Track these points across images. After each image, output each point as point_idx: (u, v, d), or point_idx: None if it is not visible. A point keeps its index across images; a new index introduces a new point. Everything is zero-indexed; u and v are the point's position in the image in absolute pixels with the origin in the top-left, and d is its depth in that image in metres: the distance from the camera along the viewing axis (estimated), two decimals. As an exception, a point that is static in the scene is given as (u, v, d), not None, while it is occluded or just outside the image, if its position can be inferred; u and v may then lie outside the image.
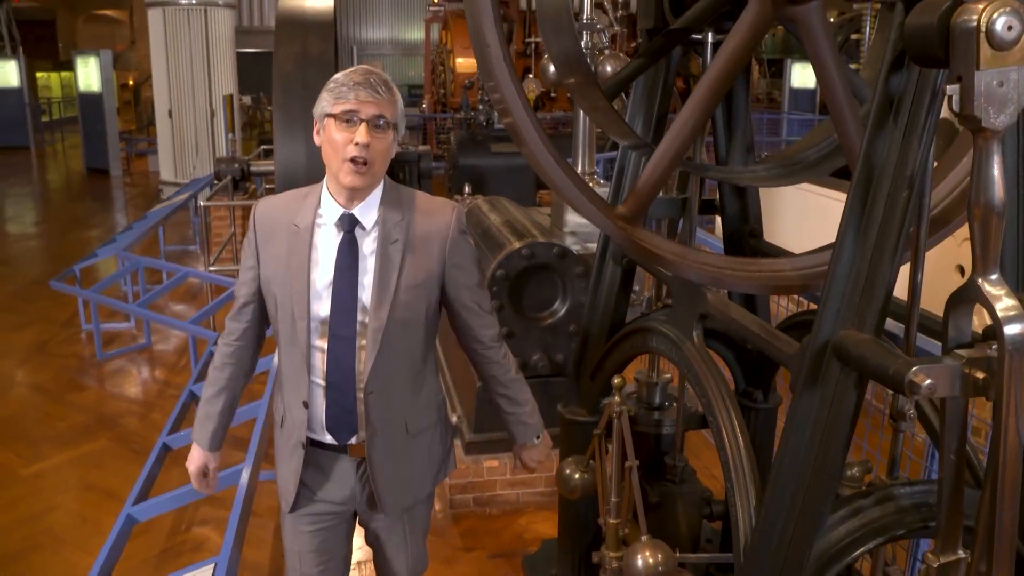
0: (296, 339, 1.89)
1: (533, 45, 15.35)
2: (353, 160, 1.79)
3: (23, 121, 18.45)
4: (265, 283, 1.95)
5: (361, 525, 2.16)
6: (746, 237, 2.56)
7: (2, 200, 12.60)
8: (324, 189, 1.91)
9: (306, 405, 1.93)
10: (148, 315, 5.46)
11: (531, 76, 14.12)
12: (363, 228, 1.89)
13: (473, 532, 3.71)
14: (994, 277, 1.25)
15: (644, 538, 2.12)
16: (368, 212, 1.89)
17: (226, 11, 11.37)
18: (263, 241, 1.94)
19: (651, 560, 2.07)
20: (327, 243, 1.89)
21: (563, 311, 3.95)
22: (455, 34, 18.19)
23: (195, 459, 2.11)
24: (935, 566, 1.41)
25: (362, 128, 1.77)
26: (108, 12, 34.78)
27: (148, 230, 7.09)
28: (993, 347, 1.26)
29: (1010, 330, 1.22)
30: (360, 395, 1.91)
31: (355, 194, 1.86)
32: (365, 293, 1.87)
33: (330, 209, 1.89)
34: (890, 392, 1.61)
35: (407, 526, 2.13)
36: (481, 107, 11.54)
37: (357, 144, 1.77)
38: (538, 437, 2.22)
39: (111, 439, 4.49)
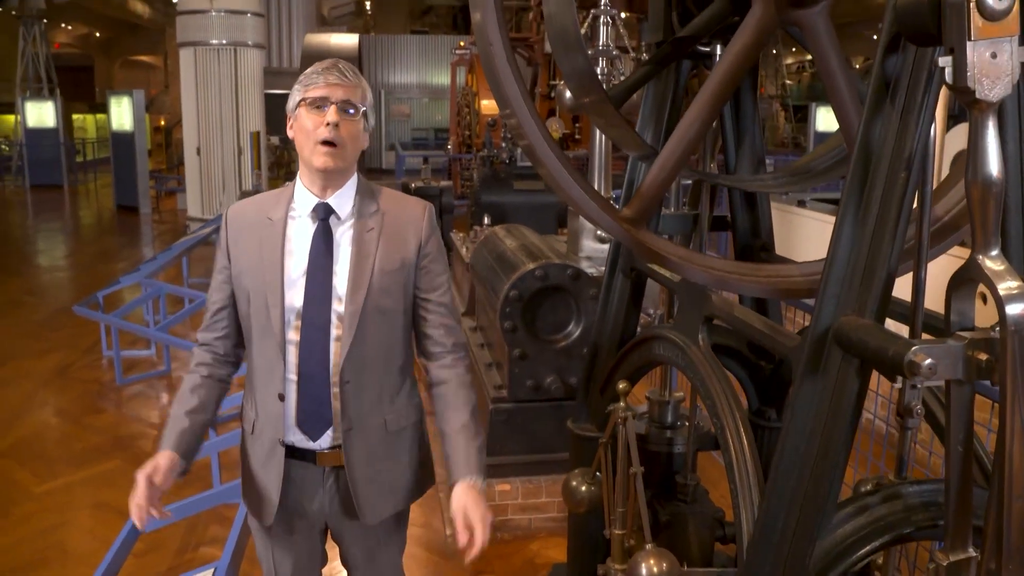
0: (270, 329, 1.85)
1: (558, 87, 15.52)
2: (325, 142, 1.79)
3: (58, 160, 18.92)
4: (236, 278, 1.91)
5: (334, 540, 2.08)
6: (757, 251, 2.54)
7: (34, 234, 12.88)
8: (298, 182, 1.91)
9: (281, 398, 1.88)
10: (166, 339, 5.51)
11: (555, 117, 14.31)
12: (338, 217, 1.88)
13: (483, 556, 3.61)
14: (994, 253, 1.22)
15: (649, 547, 2.07)
16: (343, 202, 1.89)
17: (255, 51, 11.66)
18: (234, 240, 1.92)
19: (655, 569, 2.02)
20: (301, 234, 1.88)
21: (577, 333, 3.92)
22: (480, 77, 18.49)
23: (153, 460, 1.80)
24: (944, 564, 1.37)
25: (332, 109, 1.78)
26: (143, 58, 35.84)
27: (172, 260, 7.19)
28: (997, 329, 1.23)
29: (1013, 310, 1.19)
30: (335, 389, 1.86)
31: (329, 181, 1.86)
32: (340, 281, 1.86)
33: (304, 200, 1.89)
34: (897, 385, 1.57)
35: (382, 540, 2.06)
36: (504, 145, 11.66)
37: (328, 124, 1.78)
38: (481, 480, 1.92)
39: (125, 460, 4.50)
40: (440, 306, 1.98)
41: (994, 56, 1.17)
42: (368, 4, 28.78)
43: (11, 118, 22.57)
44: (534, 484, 3.87)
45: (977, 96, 1.17)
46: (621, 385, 2.26)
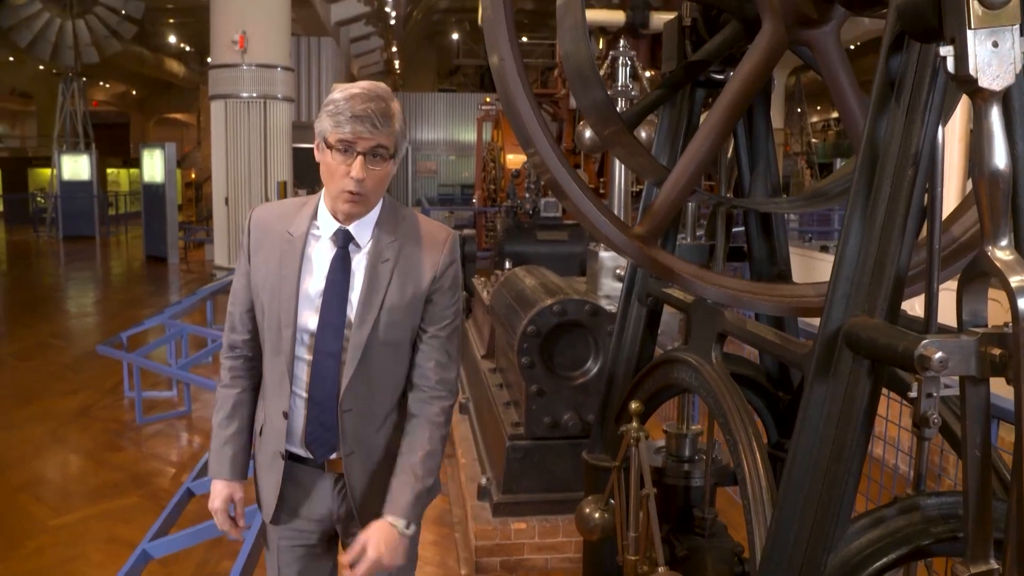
0: (280, 348, 1.85)
1: (578, 129, 15.67)
2: (351, 192, 1.77)
3: (91, 212, 19.37)
4: (254, 288, 1.91)
5: (344, 548, 2.04)
6: (774, 279, 2.52)
7: (64, 282, 13.12)
8: (321, 201, 1.88)
9: (286, 416, 1.87)
10: (187, 377, 5.55)
11: (580, 170, 14.45)
12: (357, 246, 1.86)
13: (499, 597, 3.57)
14: (1004, 243, 1.21)
15: (661, 570, 2.02)
16: (364, 230, 1.87)
17: (284, 104, 11.95)
18: (256, 246, 1.91)
19: (669, 593, 1.96)
20: (320, 255, 1.86)
21: (595, 370, 3.89)
22: (506, 132, 18.76)
23: (217, 494, 1.96)
24: (965, 576, 1.32)
25: (358, 162, 1.74)
26: (177, 115, 36.84)
27: (196, 303, 7.27)
28: (1009, 324, 1.21)
29: (1025, 303, 1.17)
30: (340, 413, 1.86)
31: (353, 218, 1.85)
32: (352, 310, 1.84)
33: (326, 222, 1.87)
34: (912, 394, 1.54)
35: None
36: (528, 196, 11.77)
37: (353, 179, 1.75)
38: (408, 527, 1.85)
39: (141, 496, 4.50)
40: (435, 339, 1.92)
41: (995, 45, 1.17)
42: (397, 63, 29.47)
43: (48, 172, 23.22)
44: (551, 523, 3.81)
45: (980, 85, 1.17)
46: (634, 405, 2.23)
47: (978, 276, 1.26)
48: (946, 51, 1.19)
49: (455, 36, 35.72)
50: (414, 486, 1.86)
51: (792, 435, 1.54)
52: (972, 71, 1.17)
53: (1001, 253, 1.20)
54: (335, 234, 1.86)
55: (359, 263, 1.86)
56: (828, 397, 1.47)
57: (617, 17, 8.84)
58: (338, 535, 2.05)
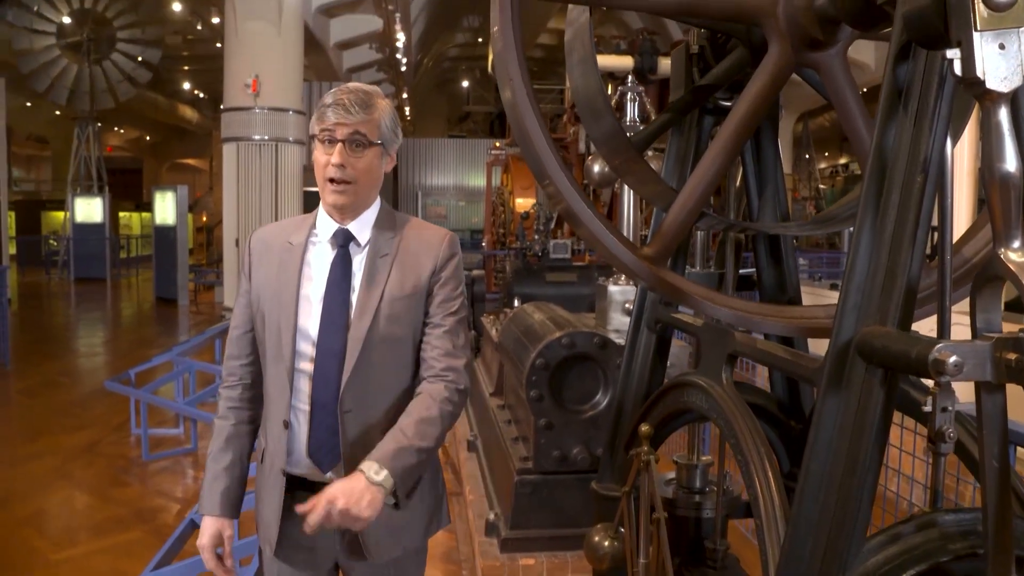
0: (281, 354, 1.82)
1: (591, 187, 15.90)
2: (332, 180, 1.79)
3: (103, 254, 19.54)
4: (255, 302, 1.89)
5: None
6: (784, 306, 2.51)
7: (74, 322, 13.19)
8: (320, 208, 1.90)
9: (286, 425, 1.83)
10: (194, 412, 5.53)
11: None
12: (358, 244, 1.87)
13: (506, 635, 3.49)
14: (1016, 245, 1.20)
15: (673, 596, 1.97)
16: (363, 229, 1.88)
17: (296, 147, 12.10)
18: (256, 263, 1.92)
19: (680, 619, 1.92)
20: (320, 259, 1.87)
21: (604, 403, 3.86)
22: (515, 175, 18.94)
23: (204, 530, 1.87)
24: (987, 594, 1.28)
25: (337, 148, 1.76)
26: (190, 161, 37.35)
27: (204, 341, 7.28)
28: (1024, 329, 1.19)
29: (1040, 306, 1.15)
30: (340, 414, 1.81)
31: (345, 211, 1.86)
32: (353, 307, 1.83)
33: (325, 226, 1.88)
34: (927, 408, 1.52)
35: None
36: (537, 237, 11.83)
37: (333, 165, 1.77)
38: (377, 475, 1.64)
39: (145, 531, 4.45)
40: (439, 329, 1.87)
41: (1002, 47, 1.18)
42: (407, 110, 29.90)
43: (61, 215, 23.50)
44: (559, 559, 3.74)
45: (988, 87, 1.17)
46: (644, 428, 2.20)
47: (991, 280, 1.24)
48: (953, 54, 1.20)
49: (465, 83, 36.29)
50: (399, 440, 1.71)
51: (804, 450, 1.51)
52: (979, 73, 1.17)
53: (1015, 255, 1.19)
54: (335, 235, 1.87)
55: (359, 262, 1.86)
56: (841, 409, 1.45)
57: (626, 62, 8.95)
58: (339, 568, 1.97)
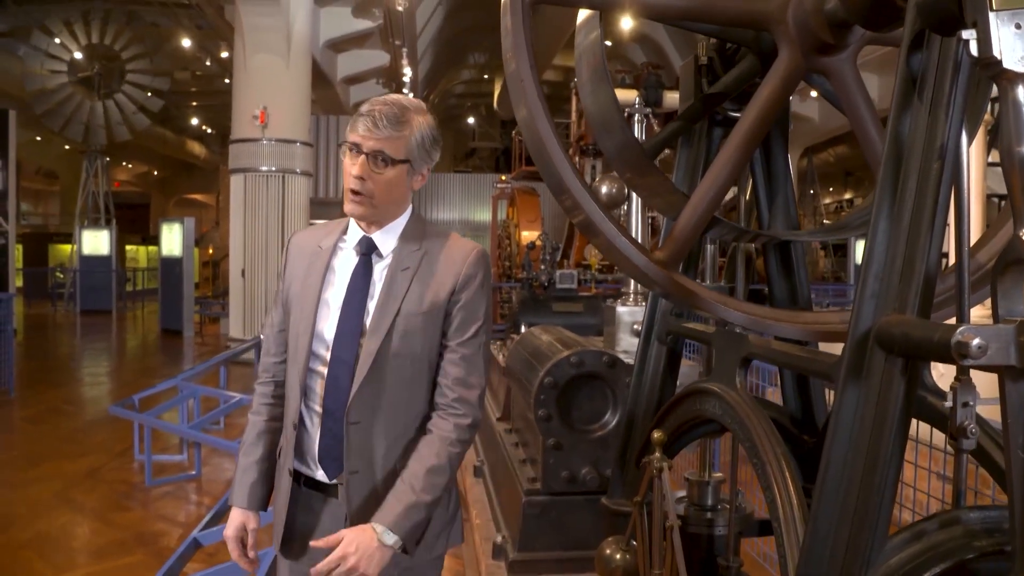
0: (297, 356, 1.84)
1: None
2: (352, 190, 1.79)
3: (109, 287, 19.60)
4: (285, 303, 1.92)
5: None
6: (796, 317, 2.49)
7: (79, 352, 13.18)
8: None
9: (294, 427, 1.84)
10: (198, 436, 5.49)
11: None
12: (379, 254, 1.86)
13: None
14: (1037, 226, 1.18)
15: (688, 605, 1.93)
16: (387, 239, 1.86)
17: (303, 179, 12.17)
18: (291, 265, 1.94)
19: (696, 629, 1.87)
20: (345, 265, 1.87)
21: (614, 423, 3.82)
22: (520, 208, 19.02)
23: (231, 522, 1.92)
24: (1014, 591, 1.25)
25: (360, 161, 1.76)
26: (197, 196, 37.60)
27: (209, 367, 7.25)
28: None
29: (1064, 288, 1.14)
30: (346, 425, 1.80)
31: (365, 221, 1.85)
32: (369, 318, 1.81)
33: (354, 233, 1.89)
34: (948, 403, 1.49)
35: None
36: (543, 268, 11.84)
37: (353, 176, 1.77)
38: (389, 538, 1.71)
39: (147, 555, 4.39)
40: (456, 354, 1.83)
41: (1018, 27, 1.17)
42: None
43: (68, 247, 23.62)
44: (567, 583, 3.67)
45: (1005, 66, 1.17)
46: (656, 435, 2.17)
47: (1012, 264, 1.23)
48: (968, 35, 1.19)
49: (471, 120, 36.64)
50: (408, 498, 1.73)
51: (823, 445, 1.48)
52: (996, 53, 1.17)
53: (1037, 238, 1.17)
54: (359, 242, 1.86)
55: (380, 272, 1.85)
56: (860, 402, 1.42)
57: (630, 96, 9.06)
58: None
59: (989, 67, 1.19)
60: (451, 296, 1.83)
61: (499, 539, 3.92)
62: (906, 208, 1.39)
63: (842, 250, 22.57)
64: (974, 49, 1.19)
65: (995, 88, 1.35)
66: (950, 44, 1.34)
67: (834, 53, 1.93)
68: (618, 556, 2.36)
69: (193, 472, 5.97)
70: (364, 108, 1.79)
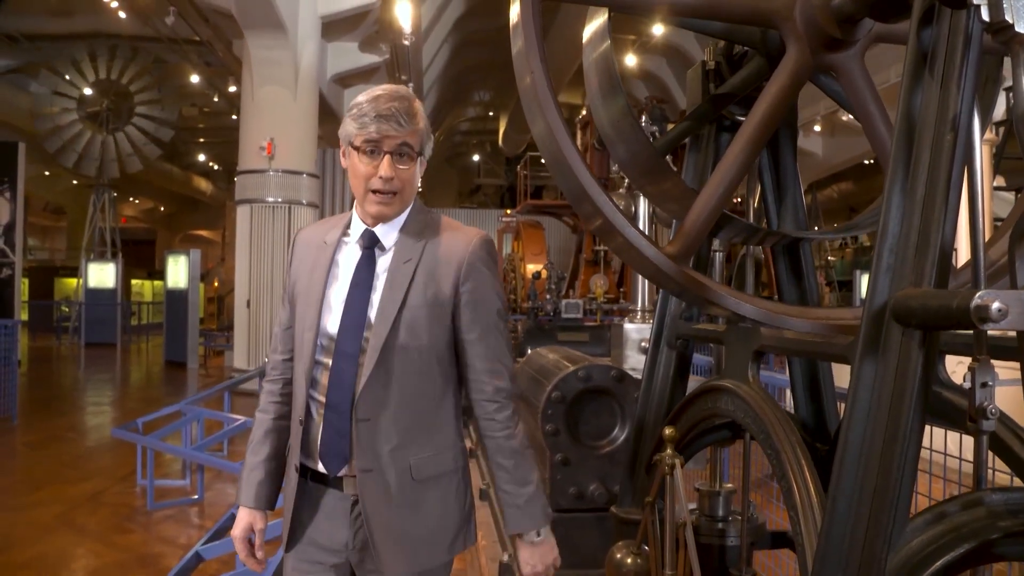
0: (303, 352, 1.83)
1: (602, 252, 16.16)
2: (377, 191, 1.78)
3: (114, 320, 19.62)
4: (291, 299, 1.91)
5: None
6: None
7: (83, 383, 13.16)
8: (354, 210, 1.90)
9: (300, 423, 1.82)
10: (201, 457, 5.45)
11: (600, 274, 14.62)
12: (382, 247, 1.84)
13: None
14: (1055, 188, 1.18)
15: (703, 603, 1.89)
16: (390, 232, 1.84)
17: (309, 210, 12.24)
18: (298, 261, 1.93)
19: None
20: (348, 259, 1.85)
21: (622, 438, 3.78)
22: (525, 242, 19.10)
23: (239, 521, 1.91)
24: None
25: (385, 161, 1.75)
26: (203, 232, 37.82)
27: (214, 393, 7.23)
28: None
29: (1082, 252, 1.13)
30: (354, 422, 1.77)
31: (381, 216, 1.84)
32: (373, 311, 1.79)
33: (357, 226, 1.87)
34: (966, 384, 1.47)
35: None
36: (549, 298, 11.87)
37: (381, 178, 1.76)
38: (539, 533, 1.86)
39: (147, 575, 4.32)
40: (477, 347, 1.83)
41: (1031, -8, 1.18)
42: (419, 181, 30.37)
43: (74, 281, 23.70)
44: (575, 602, 3.60)
45: (1017, 30, 1.17)
46: (668, 431, 2.14)
47: (1030, 231, 1.22)
48: (979, 0, 1.20)
49: (476, 157, 36.93)
50: (521, 497, 1.85)
51: (841, 424, 1.46)
52: (1008, 17, 1.17)
53: (1054, 198, 1.17)
54: (362, 235, 1.85)
55: (384, 265, 1.83)
56: (878, 378, 1.41)
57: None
58: (353, 570, 1.89)
59: (1001, 32, 1.19)
60: (456, 286, 1.82)
61: (505, 557, 3.86)
62: (920, 181, 1.38)
63: (847, 287, 22.53)
64: (985, 15, 1.19)
65: (1001, 89, 1.37)
66: (960, 17, 1.35)
67: (842, 50, 1.94)
68: (629, 560, 2.32)
69: (195, 496, 5.92)
70: (369, 105, 1.75)
